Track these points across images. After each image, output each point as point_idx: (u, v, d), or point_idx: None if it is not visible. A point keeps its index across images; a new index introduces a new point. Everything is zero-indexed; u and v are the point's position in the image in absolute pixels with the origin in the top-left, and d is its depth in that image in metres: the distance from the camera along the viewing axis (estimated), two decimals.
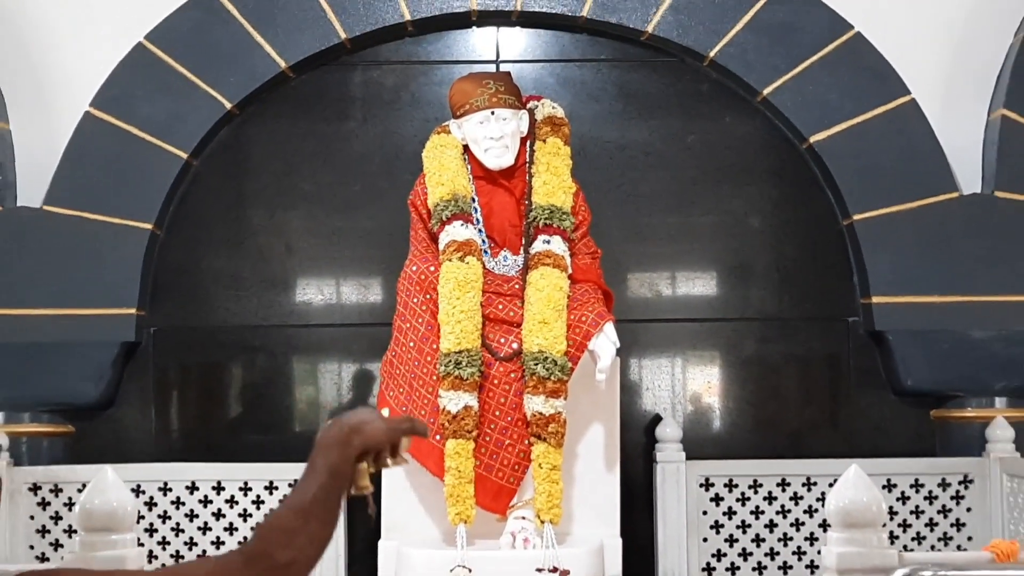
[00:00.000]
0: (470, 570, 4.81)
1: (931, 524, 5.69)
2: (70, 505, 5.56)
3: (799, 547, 5.72)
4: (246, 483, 5.70)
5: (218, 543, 5.67)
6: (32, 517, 5.58)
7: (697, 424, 6.15)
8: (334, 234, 6.19)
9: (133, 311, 5.84)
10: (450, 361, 5.00)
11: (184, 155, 5.93)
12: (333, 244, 6.20)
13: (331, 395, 6.16)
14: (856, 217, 5.90)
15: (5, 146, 5.87)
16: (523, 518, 5.09)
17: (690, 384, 6.21)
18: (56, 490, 5.58)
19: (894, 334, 5.86)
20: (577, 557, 4.95)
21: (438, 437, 5.06)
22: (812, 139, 5.94)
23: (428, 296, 5.14)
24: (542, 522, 4.97)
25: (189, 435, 6.11)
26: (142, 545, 3.02)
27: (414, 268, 5.21)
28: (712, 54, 5.99)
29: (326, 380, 6.18)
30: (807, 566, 5.68)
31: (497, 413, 5.08)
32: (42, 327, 5.76)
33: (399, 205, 5.45)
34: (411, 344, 5.19)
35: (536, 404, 5.00)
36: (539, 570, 4.82)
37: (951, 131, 5.94)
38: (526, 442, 5.05)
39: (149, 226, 5.88)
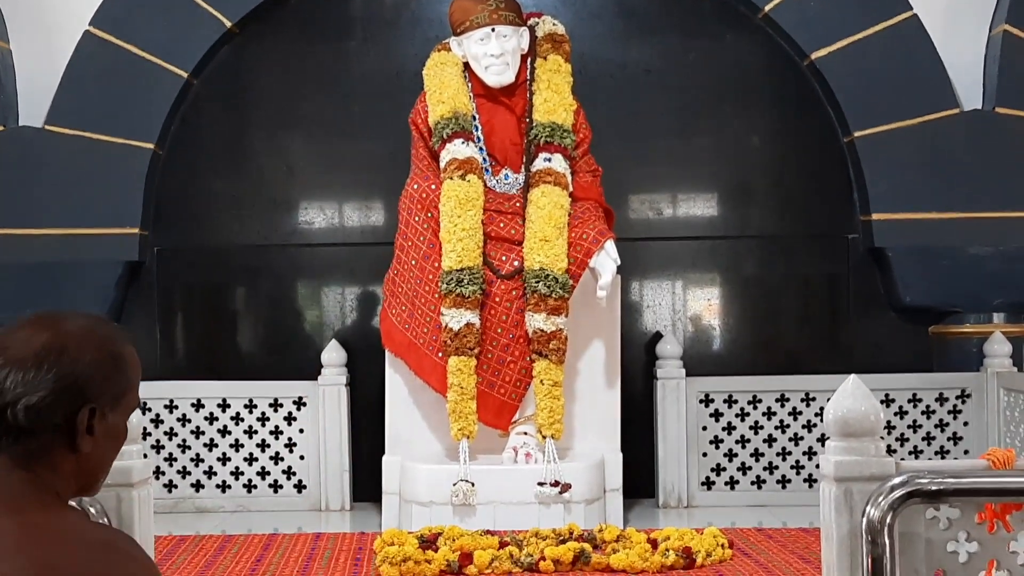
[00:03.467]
0: (473, 484, 4.89)
1: (928, 438, 5.76)
2: None
3: (797, 461, 5.78)
4: (251, 400, 5.75)
5: (224, 459, 5.74)
6: None
7: (697, 341, 6.19)
8: (335, 154, 6.19)
9: (136, 231, 5.86)
10: (452, 279, 5.04)
11: (184, 74, 5.91)
12: (334, 164, 6.20)
13: (334, 314, 6.20)
14: (856, 134, 5.90)
15: (5, 66, 5.85)
16: (525, 434, 5.16)
17: (690, 302, 6.24)
18: None
19: (893, 251, 5.88)
20: (578, 472, 5.02)
21: (440, 355, 5.12)
22: (813, 56, 5.92)
23: (429, 214, 5.17)
24: (544, 437, 5.04)
25: (194, 354, 6.16)
26: (146, 457, 3.06)
27: (415, 186, 5.23)
28: None
29: (329, 299, 6.21)
30: (805, 480, 5.75)
31: (499, 330, 5.13)
32: (46, 247, 5.78)
33: (400, 125, 5.45)
34: (412, 262, 5.22)
35: (537, 321, 5.04)
36: (541, 484, 4.90)
37: (953, 47, 5.91)
38: (527, 359, 5.11)
39: (151, 146, 5.88)
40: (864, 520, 2.68)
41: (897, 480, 2.71)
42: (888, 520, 2.65)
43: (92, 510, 2.63)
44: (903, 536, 2.71)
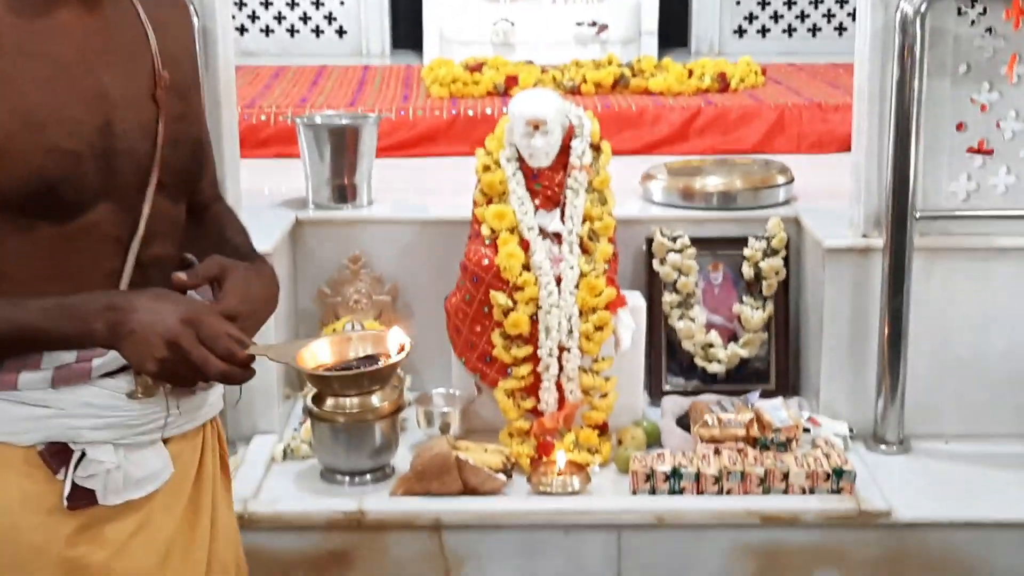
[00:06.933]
0: (513, 23, 5.02)
1: None
2: None
3: (829, 10, 5.86)
4: None
5: (266, 3, 5.86)
6: None
7: None
8: None
9: None
10: None
11: None
12: None
13: None
14: None
15: None
16: None
17: None
18: None
19: None
20: (615, 11, 5.13)
21: None
22: None
23: None
24: None
25: None
26: None
27: None
28: None
29: None
30: (835, 28, 5.85)
31: None
32: None
33: None
34: None
35: None
36: (579, 24, 5.03)
37: None
38: None
39: None
40: (898, 15, 2.82)
41: None
42: (922, 10, 2.79)
43: None
44: (933, 31, 2.84)
